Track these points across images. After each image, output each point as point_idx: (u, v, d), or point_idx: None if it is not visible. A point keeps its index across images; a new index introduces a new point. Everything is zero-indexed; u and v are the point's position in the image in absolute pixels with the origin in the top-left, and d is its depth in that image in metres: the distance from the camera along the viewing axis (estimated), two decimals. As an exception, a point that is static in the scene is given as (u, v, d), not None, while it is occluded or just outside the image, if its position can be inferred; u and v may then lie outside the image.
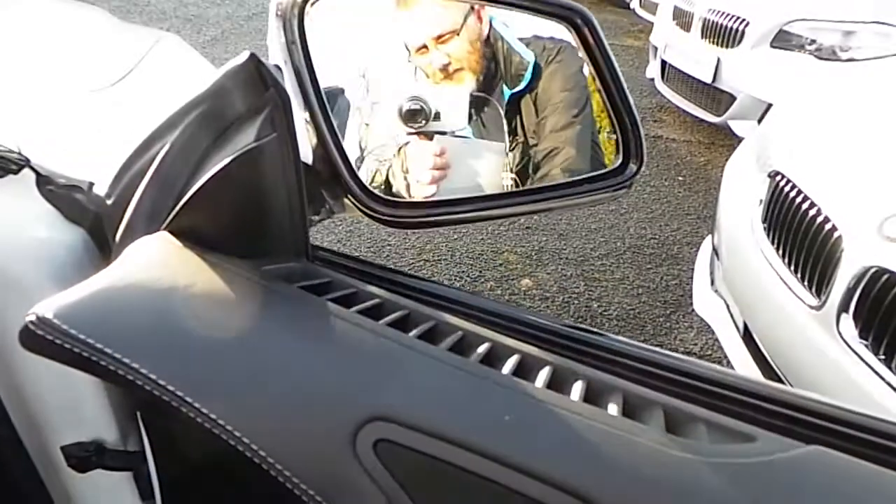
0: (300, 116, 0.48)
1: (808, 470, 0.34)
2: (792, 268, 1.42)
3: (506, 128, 0.61)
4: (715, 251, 1.86)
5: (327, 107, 0.50)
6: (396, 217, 0.53)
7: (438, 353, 0.39)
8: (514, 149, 0.61)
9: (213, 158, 0.42)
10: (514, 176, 0.60)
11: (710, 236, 2.00)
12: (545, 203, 0.58)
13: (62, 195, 0.57)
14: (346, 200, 0.51)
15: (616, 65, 0.57)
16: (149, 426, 0.53)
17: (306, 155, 0.50)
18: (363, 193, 0.52)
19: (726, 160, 2.02)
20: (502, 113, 0.61)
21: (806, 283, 1.36)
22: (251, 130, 0.41)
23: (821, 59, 3.07)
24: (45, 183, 0.57)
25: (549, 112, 0.62)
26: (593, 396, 0.39)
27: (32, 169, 0.56)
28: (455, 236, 2.62)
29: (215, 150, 0.43)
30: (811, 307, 1.32)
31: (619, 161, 0.60)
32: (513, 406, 0.36)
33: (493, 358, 0.41)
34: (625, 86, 0.58)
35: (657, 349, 0.42)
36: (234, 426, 0.35)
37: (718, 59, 3.31)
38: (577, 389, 0.38)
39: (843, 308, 1.23)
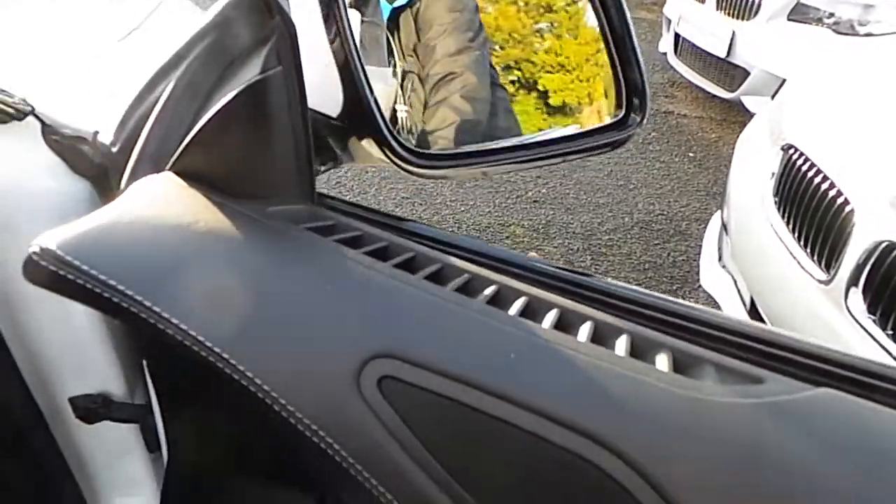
0: (326, 59, 0.45)
1: (819, 411, 0.34)
2: (802, 242, 1.41)
3: (395, 51, 0.56)
4: (724, 226, 1.85)
5: (358, 47, 0.47)
6: (423, 167, 0.51)
7: (444, 293, 0.38)
8: (401, 73, 0.56)
9: (218, 94, 0.41)
10: (408, 108, 0.56)
11: (718, 212, 1.98)
12: (552, 158, 0.57)
13: (67, 146, 0.57)
14: (363, 147, 0.49)
15: (628, 16, 0.55)
16: (155, 376, 0.53)
17: (332, 102, 0.48)
18: (395, 142, 0.49)
19: (738, 137, 1.99)
20: (384, 32, 0.56)
21: (815, 257, 1.35)
22: (256, 62, 0.40)
23: (838, 33, 3.00)
24: (50, 133, 0.57)
25: (435, 33, 0.57)
26: (600, 338, 0.38)
27: (37, 118, 0.55)
28: (462, 208, 2.61)
29: (221, 86, 0.42)
30: (820, 281, 1.31)
31: (622, 114, 0.58)
32: (519, 345, 0.36)
33: (501, 300, 0.40)
34: (634, 38, 0.55)
35: (665, 296, 0.42)
36: (238, 361, 0.35)
37: (733, 33, 3.24)
38: (585, 331, 0.38)
39: (853, 282, 1.22)
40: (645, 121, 0.57)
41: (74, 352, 0.63)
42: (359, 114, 0.48)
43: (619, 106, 0.58)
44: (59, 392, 0.65)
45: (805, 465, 0.32)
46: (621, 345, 0.38)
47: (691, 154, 3.22)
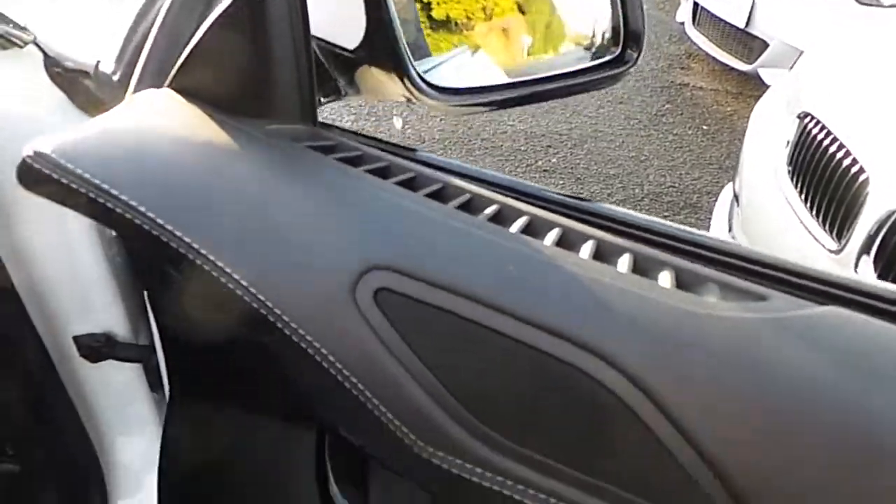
0: None
1: (825, 327, 0.33)
2: (814, 211, 1.39)
3: None
4: (735, 197, 1.83)
5: None
6: (440, 99, 0.50)
7: (445, 209, 0.38)
8: None
9: (216, 3, 0.40)
10: None
11: (730, 183, 1.96)
12: (558, 93, 0.57)
13: (71, 79, 0.56)
14: (373, 78, 0.47)
15: None
16: (156, 307, 0.53)
17: (349, 31, 0.46)
18: (415, 73, 0.47)
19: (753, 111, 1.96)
20: None
21: (827, 226, 1.34)
22: None
23: (862, 3, 2.93)
24: (52, 64, 0.56)
25: None
26: (602, 256, 0.38)
27: (39, 48, 0.55)
28: (471, 176, 2.60)
29: None
30: (830, 251, 1.30)
31: (619, 50, 0.58)
32: (518, 260, 0.35)
33: (502, 218, 0.40)
34: None
35: (670, 223, 0.41)
36: (234, 270, 0.35)
37: (753, 2, 3.17)
38: (587, 248, 0.37)
39: (865, 251, 1.21)
40: (640, 57, 0.57)
41: (78, 291, 0.63)
42: (380, 42, 0.46)
43: (615, 43, 0.59)
44: (64, 331, 0.66)
45: (811, 379, 0.31)
46: (624, 262, 0.37)
47: (705, 127, 3.17)
